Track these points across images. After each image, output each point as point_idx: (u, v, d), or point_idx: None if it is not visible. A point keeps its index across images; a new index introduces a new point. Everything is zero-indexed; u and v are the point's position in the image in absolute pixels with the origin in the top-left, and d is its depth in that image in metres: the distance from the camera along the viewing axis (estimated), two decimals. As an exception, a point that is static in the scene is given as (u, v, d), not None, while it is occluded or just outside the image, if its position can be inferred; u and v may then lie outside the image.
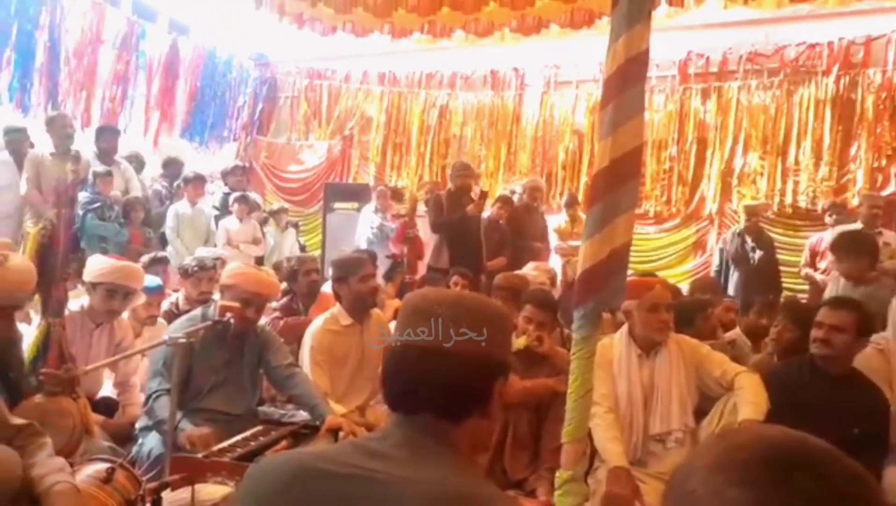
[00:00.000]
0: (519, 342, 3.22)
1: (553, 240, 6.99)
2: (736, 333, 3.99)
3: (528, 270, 4.99)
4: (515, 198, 7.07)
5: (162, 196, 7.28)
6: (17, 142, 6.02)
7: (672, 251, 8.09)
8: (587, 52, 7.48)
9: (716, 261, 6.94)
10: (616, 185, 2.37)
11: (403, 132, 9.42)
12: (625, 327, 3.03)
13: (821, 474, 0.61)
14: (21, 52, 6.95)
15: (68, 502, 1.75)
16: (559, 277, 5.86)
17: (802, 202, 7.37)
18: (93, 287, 3.17)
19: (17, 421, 1.98)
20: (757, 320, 3.99)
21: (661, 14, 7.27)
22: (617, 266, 2.41)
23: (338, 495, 0.94)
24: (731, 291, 6.19)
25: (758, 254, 6.39)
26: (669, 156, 8.08)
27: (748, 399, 2.61)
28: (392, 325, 2.93)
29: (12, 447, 1.85)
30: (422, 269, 6.57)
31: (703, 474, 0.64)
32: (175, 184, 7.34)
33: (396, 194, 7.97)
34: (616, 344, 3.00)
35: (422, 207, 7.13)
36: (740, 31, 7.70)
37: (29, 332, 2.84)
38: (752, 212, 6.65)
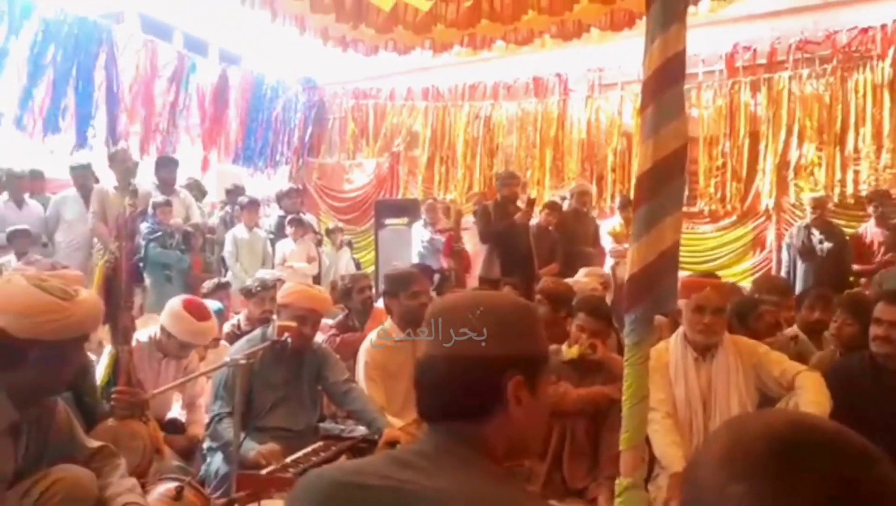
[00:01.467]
0: (572, 351, 3.21)
1: (608, 243, 6.92)
2: (796, 329, 3.86)
3: (580, 276, 4.96)
4: (565, 204, 7.04)
5: (227, 222, 7.53)
6: (83, 177, 6.36)
7: (729, 250, 7.90)
8: (630, 53, 7.37)
9: (784, 257, 6.76)
10: (661, 186, 2.35)
11: (449, 145, 9.51)
12: (680, 330, 2.99)
13: (828, 465, 0.58)
14: (81, 92, 7.32)
15: None
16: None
17: (864, 192, 7.10)
18: (167, 335, 3.21)
19: (94, 444, 2.10)
20: (810, 315, 3.84)
21: (704, 9, 7.14)
22: (666, 268, 2.38)
23: None
24: (798, 286, 6.01)
25: (826, 246, 6.19)
26: (721, 152, 7.91)
27: (810, 399, 2.54)
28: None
29: (89, 469, 1.96)
30: (471, 281, 6.60)
31: (709, 467, 0.63)
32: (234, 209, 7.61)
33: (445, 208, 8.04)
34: (672, 348, 2.96)
35: (469, 219, 7.17)
36: (788, 20, 7.51)
37: (101, 360, 2.99)
38: (818, 204, 6.46)
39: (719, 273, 6.17)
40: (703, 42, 7.38)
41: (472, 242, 6.86)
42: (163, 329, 3.24)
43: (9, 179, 6.36)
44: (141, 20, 8.82)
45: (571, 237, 6.51)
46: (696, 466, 0.66)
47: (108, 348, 2.92)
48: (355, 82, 10.10)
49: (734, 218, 7.91)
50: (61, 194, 6.44)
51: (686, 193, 7.76)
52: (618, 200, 7.63)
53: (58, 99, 7.12)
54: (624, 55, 7.68)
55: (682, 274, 4.12)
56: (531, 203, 6.34)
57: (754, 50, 7.72)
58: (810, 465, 0.59)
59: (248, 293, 4.43)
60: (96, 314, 1.93)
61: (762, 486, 0.59)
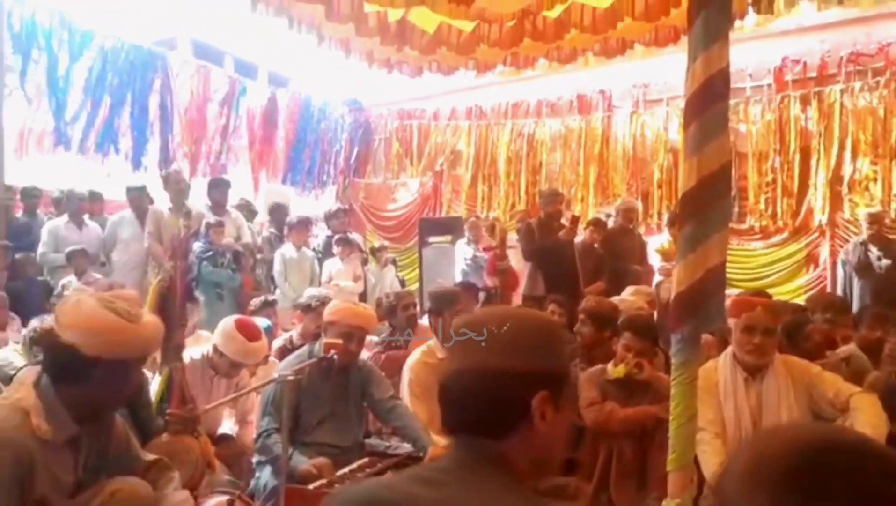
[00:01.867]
0: (618, 370, 3.19)
1: (656, 261, 6.84)
2: (850, 348, 3.73)
3: (627, 294, 4.90)
4: (610, 221, 6.98)
5: (271, 241, 7.69)
6: (139, 199, 6.56)
7: (781, 267, 7.70)
8: (676, 68, 7.28)
9: (840, 274, 6.59)
10: (706, 204, 2.34)
11: (492, 163, 9.55)
12: (729, 350, 2.94)
13: (854, 480, 0.58)
14: (137, 116, 7.60)
15: None
16: (660, 300, 5.72)
17: (923, 206, 6.86)
18: (219, 354, 3.32)
19: (150, 457, 2.18)
20: (870, 334, 3.71)
21: (750, 22, 7.05)
22: (713, 287, 2.35)
23: None
24: (855, 304, 5.83)
25: (884, 263, 6.02)
26: (771, 167, 7.75)
27: (865, 421, 2.46)
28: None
29: (146, 480, 2.03)
30: (517, 299, 6.59)
31: (735, 482, 0.64)
32: (283, 228, 7.76)
33: (489, 227, 8.06)
34: (721, 367, 2.91)
35: (514, 237, 7.18)
36: (838, 32, 7.35)
37: (155, 376, 3.10)
38: (875, 219, 6.31)
39: (771, 291, 6.02)
40: (751, 56, 7.28)
41: (516, 260, 6.86)
42: (215, 348, 3.34)
43: (69, 200, 6.63)
44: (193, 46, 9.14)
45: (617, 255, 6.45)
46: (723, 478, 0.67)
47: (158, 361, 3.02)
48: (400, 103, 10.25)
49: (786, 235, 7.72)
50: (118, 215, 6.66)
51: (736, 209, 7.64)
52: (665, 216, 7.54)
53: (115, 123, 7.41)
54: (669, 70, 7.60)
55: (731, 292, 4.04)
56: (575, 220, 6.31)
57: (804, 63, 7.56)
58: (835, 480, 0.59)
59: (306, 309, 4.49)
60: (158, 336, 2.02)
61: (786, 501, 0.60)
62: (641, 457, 3.11)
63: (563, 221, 6.27)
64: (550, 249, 5.88)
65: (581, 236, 6.40)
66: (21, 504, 1.75)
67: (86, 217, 6.65)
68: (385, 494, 1.02)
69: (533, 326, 1.11)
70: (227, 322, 3.36)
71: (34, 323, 3.75)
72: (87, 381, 1.88)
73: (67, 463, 1.91)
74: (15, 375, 3.27)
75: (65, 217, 6.53)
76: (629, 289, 5.14)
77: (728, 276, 2.51)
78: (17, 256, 5.80)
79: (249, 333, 3.32)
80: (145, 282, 5.79)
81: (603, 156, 8.77)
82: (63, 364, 1.90)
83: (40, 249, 6.25)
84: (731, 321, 2.83)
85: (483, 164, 9.62)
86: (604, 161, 8.77)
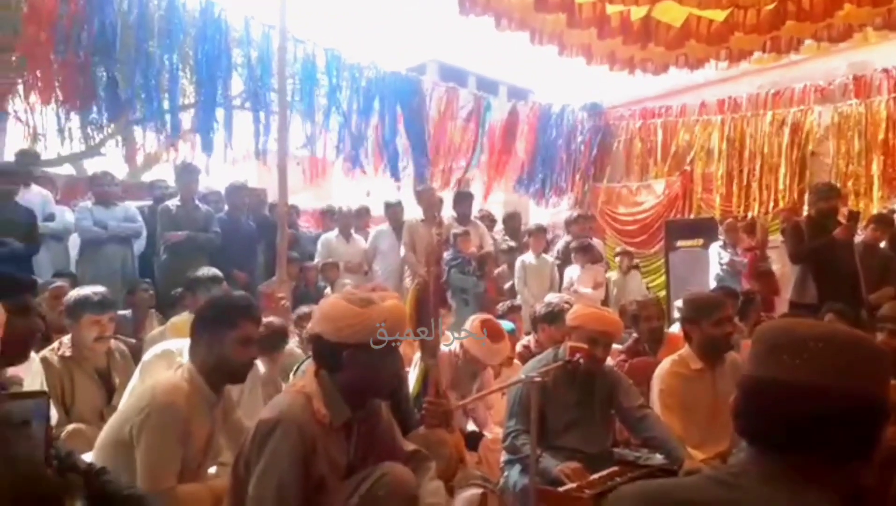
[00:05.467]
0: (917, 388, 2.70)
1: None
2: None
3: (922, 300, 4.15)
4: (897, 217, 6.01)
5: (507, 249, 7.87)
6: (395, 213, 7.19)
7: None
8: None
9: None
10: None
11: (750, 158, 8.76)
12: None
13: None
14: (403, 137, 8.26)
15: None
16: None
17: None
18: (464, 351, 3.47)
19: (410, 447, 2.32)
20: None
21: None
22: None
23: None
24: None
25: None
26: None
27: None
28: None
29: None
30: (779, 305, 5.95)
31: None
32: (517, 236, 7.91)
33: (748, 227, 7.40)
34: None
35: (777, 238, 6.51)
36: None
37: (412, 372, 3.32)
38: None
39: None
40: None
41: (779, 263, 6.20)
42: (461, 345, 3.49)
43: (340, 216, 7.45)
44: (440, 69, 9.77)
45: (910, 256, 5.52)
46: None
47: (416, 358, 3.22)
48: (642, 102, 9.90)
49: None
50: (378, 228, 7.33)
51: None
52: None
53: (389, 145, 8.11)
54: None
55: None
56: (853, 217, 5.53)
57: None
58: None
59: (546, 318, 4.48)
60: (394, 319, 2.09)
61: None
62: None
63: (840, 218, 5.52)
64: (823, 250, 5.19)
65: (861, 236, 5.60)
66: (304, 482, 1.96)
67: (352, 231, 7.39)
68: (679, 494, 0.98)
69: (874, 350, 1.02)
70: (473, 322, 3.51)
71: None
72: (340, 366, 2.06)
73: (342, 447, 2.11)
74: (298, 367, 3.72)
75: (335, 231, 7.33)
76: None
77: None
78: (304, 265, 6.65)
79: (493, 334, 3.44)
80: (402, 288, 6.26)
81: (889, 143, 7.59)
82: (315, 352, 2.14)
83: (316, 258, 7.07)
84: None
85: (739, 159, 8.86)
86: (890, 149, 7.58)
